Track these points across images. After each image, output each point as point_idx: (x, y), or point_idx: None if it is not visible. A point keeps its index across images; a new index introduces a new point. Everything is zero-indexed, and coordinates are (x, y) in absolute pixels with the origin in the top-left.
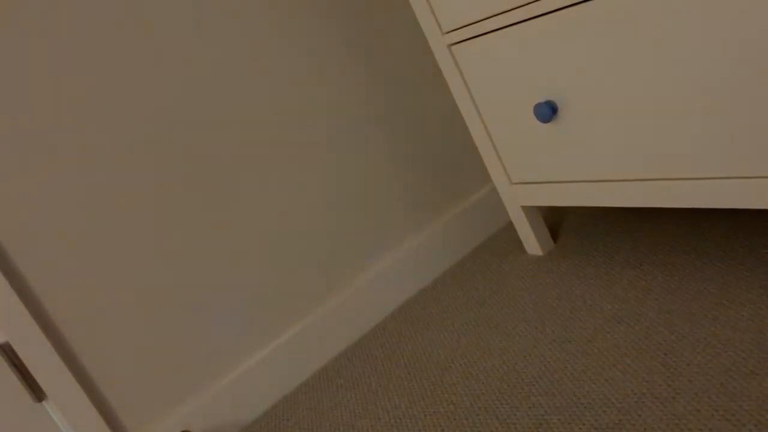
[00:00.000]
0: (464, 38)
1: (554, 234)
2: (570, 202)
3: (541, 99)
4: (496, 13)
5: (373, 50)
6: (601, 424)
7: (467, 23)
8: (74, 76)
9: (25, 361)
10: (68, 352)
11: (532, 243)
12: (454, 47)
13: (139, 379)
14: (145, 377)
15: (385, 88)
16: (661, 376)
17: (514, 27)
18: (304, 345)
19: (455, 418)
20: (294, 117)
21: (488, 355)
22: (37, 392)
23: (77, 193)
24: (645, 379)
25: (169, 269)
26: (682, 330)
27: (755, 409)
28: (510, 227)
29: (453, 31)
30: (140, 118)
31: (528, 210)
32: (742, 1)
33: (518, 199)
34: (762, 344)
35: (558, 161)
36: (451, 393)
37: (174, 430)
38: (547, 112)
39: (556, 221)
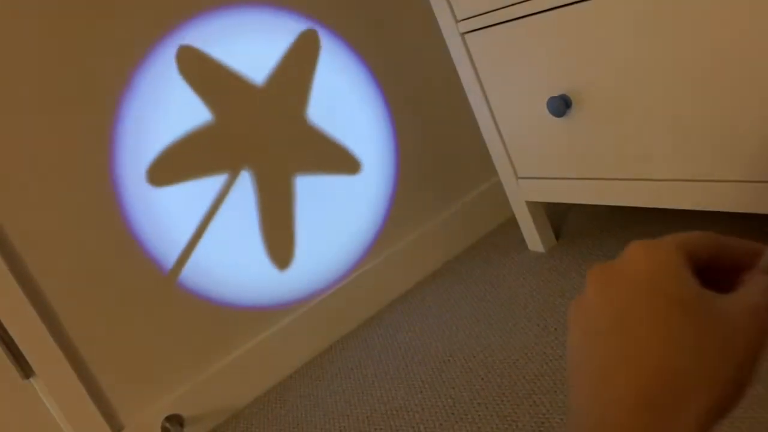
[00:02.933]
0: (478, 27)
1: (556, 231)
2: (577, 199)
3: (555, 93)
4: (512, 2)
5: (384, 40)
6: None
7: (483, 12)
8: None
9: (14, 337)
10: (59, 330)
11: (534, 239)
12: (467, 36)
13: (131, 361)
14: (137, 359)
15: (390, 73)
16: None
17: (531, 17)
18: (298, 332)
19: (453, 413)
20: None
21: (488, 351)
22: (25, 369)
23: (71, 169)
24: None
25: (165, 251)
26: None
27: (750, 406)
28: (512, 222)
29: (467, 19)
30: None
31: (532, 205)
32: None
33: (523, 194)
34: None
35: (567, 157)
36: (449, 387)
37: (164, 414)
38: (561, 106)
39: (558, 218)
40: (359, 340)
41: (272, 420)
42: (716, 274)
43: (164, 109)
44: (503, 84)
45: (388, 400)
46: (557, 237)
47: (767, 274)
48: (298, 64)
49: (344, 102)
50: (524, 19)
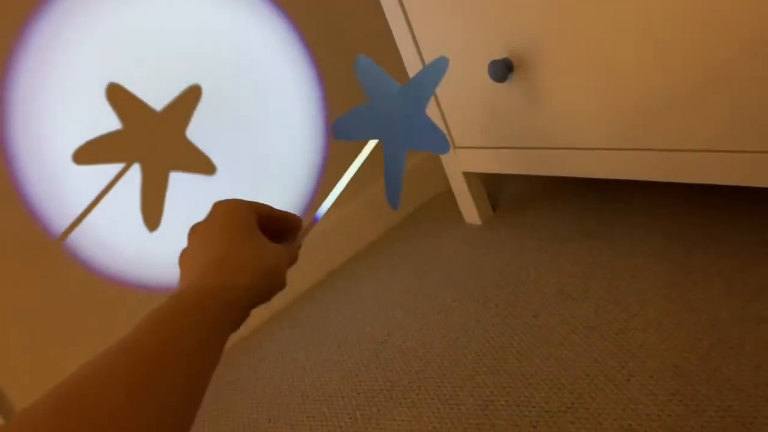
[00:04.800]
0: None
1: (492, 202)
2: (518, 170)
3: (497, 56)
4: None
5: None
6: (552, 407)
7: None
8: None
9: None
10: None
11: (471, 211)
12: None
13: (27, 354)
14: (34, 351)
15: (320, 34)
16: (614, 357)
17: None
18: None
19: (392, 397)
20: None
21: (426, 330)
22: None
23: None
24: (596, 359)
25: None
26: (633, 308)
27: (715, 395)
28: (447, 194)
29: None
30: None
31: (469, 176)
32: None
33: (461, 164)
34: (717, 325)
35: (508, 126)
36: (387, 370)
37: None
38: (503, 70)
39: (494, 189)
40: (289, 321)
41: None
42: (281, 235)
43: (61, 68)
44: (441, 46)
45: (320, 386)
46: (494, 208)
47: (297, 241)
48: (178, 111)
49: (270, 68)
50: None
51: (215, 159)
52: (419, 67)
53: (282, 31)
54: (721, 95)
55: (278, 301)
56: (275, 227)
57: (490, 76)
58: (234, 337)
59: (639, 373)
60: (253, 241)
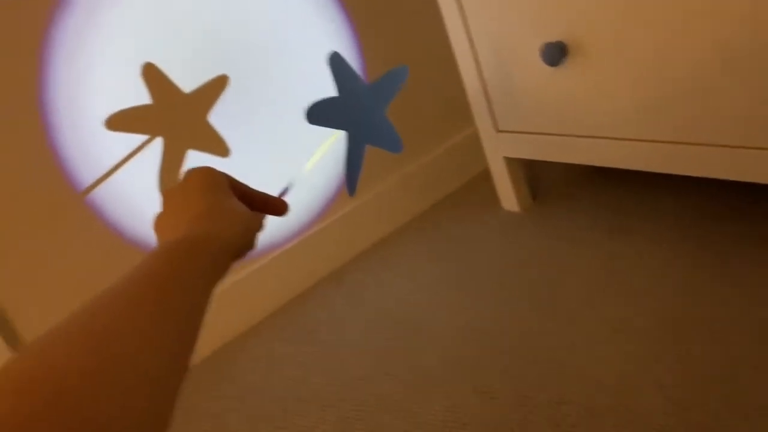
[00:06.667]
0: None
1: (533, 189)
2: (562, 158)
3: (552, 39)
4: None
5: None
6: (593, 406)
7: None
8: None
9: None
10: None
11: (509, 197)
12: None
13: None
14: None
15: (369, 14)
16: (664, 363)
17: None
18: (253, 288)
19: (424, 386)
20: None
21: (458, 317)
22: None
23: None
24: (644, 361)
25: None
26: (687, 308)
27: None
28: (484, 177)
29: None
30: None
31: (510, 162)
32: None
33: (502, 149)
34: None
35: (556, 112)
36: (419, 356)
37: None
38: (557, 54)
39: (535, 175)
40: (318, 299)
41: (222, 379)
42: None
43: (103, 25)
44: (492, 24)
45: (350, 368)
46: (533, 196)
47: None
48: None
49: (308, 38)
50: None
51: (246, 134)
52: (467, 46)
53: (326, 10)
54: None
55: (308, 278)
56: (250, 204)
57: (543, 60)
58: (264, 313)
59: (692, 379)
60: (231, 199)
